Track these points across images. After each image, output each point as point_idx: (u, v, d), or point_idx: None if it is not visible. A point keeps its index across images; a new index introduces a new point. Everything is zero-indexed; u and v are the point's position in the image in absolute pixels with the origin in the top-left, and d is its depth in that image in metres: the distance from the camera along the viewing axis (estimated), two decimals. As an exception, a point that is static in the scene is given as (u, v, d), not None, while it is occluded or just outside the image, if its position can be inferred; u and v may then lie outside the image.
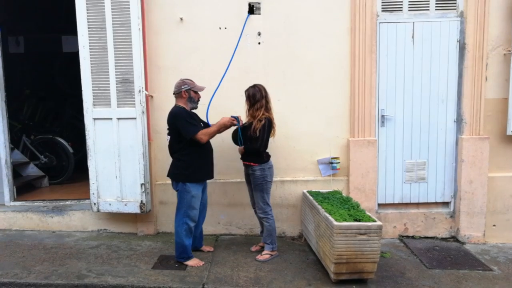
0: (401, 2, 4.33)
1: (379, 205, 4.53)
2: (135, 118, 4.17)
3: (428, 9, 4.33)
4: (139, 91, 4.14)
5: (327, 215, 3.46)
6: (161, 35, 4.35)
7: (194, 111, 3.75)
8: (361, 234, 3.27)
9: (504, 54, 4.30)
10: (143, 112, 4.18)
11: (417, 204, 4.54)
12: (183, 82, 3.68)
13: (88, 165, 4.33)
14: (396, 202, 4.53)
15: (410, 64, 4.37)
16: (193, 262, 3.70)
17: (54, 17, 6.75)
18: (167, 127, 3.69)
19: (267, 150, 3.82)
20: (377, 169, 4.45)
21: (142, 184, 4.22)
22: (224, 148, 4.14)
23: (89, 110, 4.26)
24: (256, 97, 3.72)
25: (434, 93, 4.39)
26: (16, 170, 5.46)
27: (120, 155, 4.24)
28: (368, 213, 3.57)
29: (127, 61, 4.13)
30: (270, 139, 3.80)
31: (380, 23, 4.33)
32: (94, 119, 4.25)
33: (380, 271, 3.58)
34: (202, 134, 3.54)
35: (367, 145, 4.37)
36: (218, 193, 4.44)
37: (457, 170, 4.44)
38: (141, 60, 4.13)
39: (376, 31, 4.31)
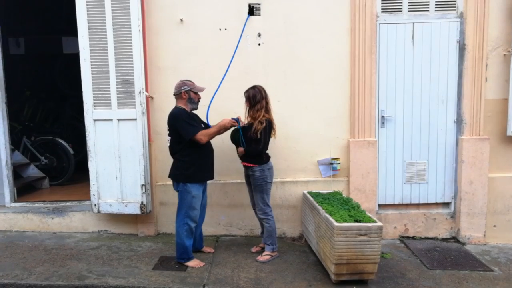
0: (401, 3, 4.33)
1: (380, 206, 4.53)
2: (135, 119, 4.18)
3: (427, 10, 4.34)
4: (140, 92, 4.15)
5: (328, 216, 3.46)
6: (161, 36, 4.35)
7: (194, 112, 3.76)
8: (361, 235, 3.27)
9: (504, 54, 4.31)
10: (143, 113, 4.18)
11: (418, 205, 4.54)
12: (183, 83, 3.69)
13: (89, 166, 4.33)
14: (396, 202, 4.53)
15: (410, 64, 4.37)
16: (193, 263, 3.70)
17: (54, 18, 6.76)
18: (168, 128, 3.69)
19: (267, 151, 3.82)
20: (377, 169, 4.45)
21: (142, 185, 4.22)
22: (224, 149, 4.14)
23: (90, 111, 4.26)
24: (257, 98, 3.72)
25: (434, 93, 4.40)
26: (17, 171, 5.47)
27: (121, 156, 4.24)
28: (368, 214, 3.57)
29: (127, 62, 4.13)
30: (271, 140, 3.80)
31: (380, 24, 4.34)
32: (95, 120, 4.26)
33: (381, 271, 3.58)
34: (201, 135, 3.54)
35: (367, 145, 4.37)
36: (218, 194, 4.45)
37: (457, 171, 4.44)
38: (141, 61, 4.13)
39: (376, 32, 4.32)
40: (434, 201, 4.53)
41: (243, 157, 3.83)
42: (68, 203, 4.84)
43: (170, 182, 3.85)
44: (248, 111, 3.78)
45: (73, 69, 5.22)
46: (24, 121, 6.47)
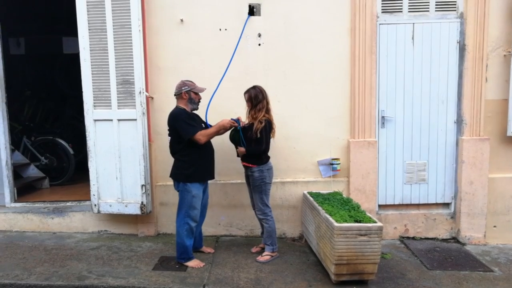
0: (401, 3, 4.33)
1: (380, 206, 4.53)
2: (135, 120, 4.18)
3: (428, 10, 4.34)
4: (140, 92, 4.15)
5: (328, 216, 3.46)
6: (162, 36, 4.35)
7: (195, 112, 3.76)
8: (361, 235, 3.27)
9: (504, 55, 4.31)
10: (143, 113, 4.19)
11: (418, 205, 4.54)
12: (183, 83, 3.69)
13: (89, 166, 4.33)
14: (396, 203, 4.53)
15: (410, 65, 4.37)
16: (193, 263, 3.70)
17: (54, 18, 6.76)
18: (168, 128, 3.70)
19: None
20: (378, 170, 4.45)
21: (142, 185, 4.22)
22: (224, 149, 4.14)
23: (90, 112, 4.26)
24: (258, 98, 3.72)
25: (434, 94, 4.40)
26: (17, 171, 5.47)
27: (121, 156, 4.24)
28: (368, 214, 3.57)
29: (127, 63, 4.14)
30: (271, 140, 3.80)
31: (380, 24, 4.34)
32: (95, 120, 4.26)
33: (381, 272, 3.58)
34: (200, 135, 3.55)
35: (367, 146, 4.37)
36: (218, 194, 4.44)
37: (458, 171, 4.44)
38: (141, 61, 4.13)
39: (376, 32, 4.32)
40: (434, 202, 4.53)
41: (243, 157, 3.83)
42: (68, 203, 4.84)
43: (170, 182, 3.85)
44: (250, 111, 3.78)
45: (73, 69, 5.22)
46: (24, 121, 6.47)
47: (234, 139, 3.83)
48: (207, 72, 4.27)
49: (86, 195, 4.66)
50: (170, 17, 4.33)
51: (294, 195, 4.46)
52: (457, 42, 4.35)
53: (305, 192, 4.31)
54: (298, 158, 4.46)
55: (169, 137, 3.71)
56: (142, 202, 4.24)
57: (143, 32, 4.14)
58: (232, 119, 3.70)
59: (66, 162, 6.00)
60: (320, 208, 3.69)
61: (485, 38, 4.25)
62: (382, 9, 4.34)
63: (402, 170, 4.49)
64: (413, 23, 4.33)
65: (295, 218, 4.49)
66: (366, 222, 3.34)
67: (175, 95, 3.72)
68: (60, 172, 6.03)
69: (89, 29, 4.15)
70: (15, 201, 4.90)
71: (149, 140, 4.33)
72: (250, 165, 3.77)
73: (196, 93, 3.71)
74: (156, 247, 4.15)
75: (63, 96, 7.18)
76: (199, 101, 3.76)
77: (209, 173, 3.77)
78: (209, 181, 3.89)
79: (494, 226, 4.45)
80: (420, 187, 4.51)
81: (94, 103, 4.24)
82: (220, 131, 3.68)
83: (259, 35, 4.35)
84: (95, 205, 4.35)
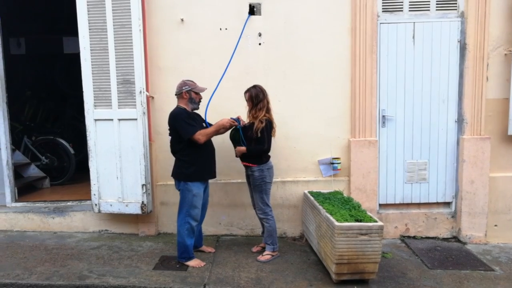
0: (402, 2, 4.33)
1: (380, 205, 4.53)
2: (136, 119, 4.18)
3: (428, 10, 4.34)
4: (140, 92, 4.15)
5: (328, 215, 3.46)
6: (162, 36, 4.35)
7: (196, 111, 3.76)
8: (362, 234, 3.27)
9: (505, 54, 4.30)
10: (144, 113, 4.19)
11: (418, 204, 4.54)
12: (184, 83, 3.69)
13: (89, 166, 4.34)
14: (397, 202, 4.52)
15: (411, 64, 4.37)
16: (194, 262, 3.70)
17: (55, 18, 6.77)
18: (168, 127, 3.70)
19: (267, 151, 3.83)
20: (378, 169, 4.44)
21: (143, 185, 4.23)
22: (225, 148, 4.14)
23: (90, 111, 4.26)
24: (259, 97, 3.72)
25: (435, 93, 4.39)
26: (18, 171, 5.47)
27: (121, 156, 4.24)
28: (369, 214, 3.56)
29: (128, 62, 4.14)
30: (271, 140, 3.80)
31: (380, 23, 4.33)
32: (95, 120, 4.26)
33: (382, 271, 3.58)
34: (199, 135, 3.55)
35: (368, 145, 4.37)
36: (219, 193, 4.44)
37: (458, 170, 4.44)
38: (141, 61, 4.13)
39: (377, 32, 4.32)
40: (435, 201, 4.52)
41: (243, 157, 3.82)
42: (69, 203, 4.84)
43: (170, 181, 3.85)
44: (250, 110, 3.78)
45: (73, 69, 5.23)
46: (24, 121, 6.48)
47: (234, 138, 3.83)
48: (207, 72, 4.27)
49: (86, 195, 4.67)
50: (170, 17, 4.33)
51: (294, 195, 4.46)
52: (458, 41, 4.34)
53: (306, 191, 4.31)
54: (299, 157, 4.45)
55: (170, 137, 3.71)
56: (142, 202, 4.24)
57: (143, 31, 4.14)
58: (232, 118, 3.70)
59: (67, 161, 6.01)
60: (320, 207, 3.69)
61: (485, 37, 4.25)
62: (383, 8, 4.33)
63: (402, 169, 4.49)
64: (414, 22, 4.33)
65: (295, 217, 4.49)
66: (366, 222, 3.34)
67: (175, 94, 3.73)
68: (61, 172, 6.03)
69: (89, 29, 4.15)
70: (16, 201, 4.91)
71: (150, 139, 4.33)
72: (251, 164, 3.77)
73: (197, 93, 3.71)
74: (156, 246, 4.16)
75: (63, 96, 7.18)
76: (200, 101, 3.76)
77: (210, 172, 3.77)
78: (210, 181, 3.89)
79: (495, 225, 4.44)
80: (421, 186, 4.50)
81: (95, 102, 4.24)
82: (220, 130, 3.68)
83: (260, 35, 4.35)
84: (95, 204, 4.35)
